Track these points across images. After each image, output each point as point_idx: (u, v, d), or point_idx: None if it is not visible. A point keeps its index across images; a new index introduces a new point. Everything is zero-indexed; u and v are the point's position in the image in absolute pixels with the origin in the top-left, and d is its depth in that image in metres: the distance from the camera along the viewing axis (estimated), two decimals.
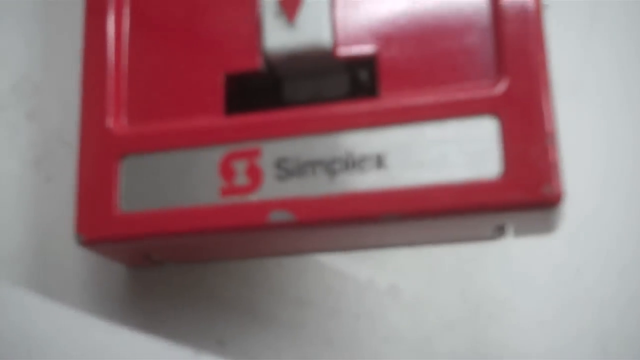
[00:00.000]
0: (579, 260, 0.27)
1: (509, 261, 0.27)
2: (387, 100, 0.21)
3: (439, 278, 0.26)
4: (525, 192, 0.19)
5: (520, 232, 0.21)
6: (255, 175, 0.21)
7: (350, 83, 0.22)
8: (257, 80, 0.22)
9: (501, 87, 0.20)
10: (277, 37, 0.22)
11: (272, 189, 0.21)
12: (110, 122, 0.22)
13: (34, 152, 0.25)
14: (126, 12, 0.23)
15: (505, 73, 0.20)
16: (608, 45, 0.28)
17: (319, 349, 0.25)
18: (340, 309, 0.26)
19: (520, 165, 0.19)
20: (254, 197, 0.21)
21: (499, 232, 0.21)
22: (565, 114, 0.28)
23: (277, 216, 0.20)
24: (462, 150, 0.20)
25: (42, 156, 0.25)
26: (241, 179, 0.21)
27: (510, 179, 0.19)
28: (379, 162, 0.20)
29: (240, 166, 0.21)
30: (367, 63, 0.21)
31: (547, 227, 0.20)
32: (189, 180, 0.21)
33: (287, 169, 0.21)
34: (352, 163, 0.20)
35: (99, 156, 0.22)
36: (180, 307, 0.25)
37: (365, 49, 0.21)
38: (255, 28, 0.22)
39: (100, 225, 0.21)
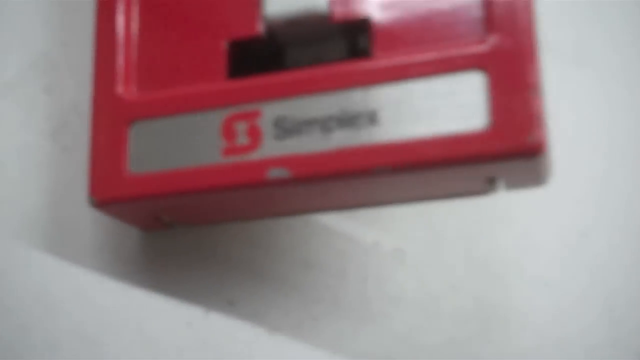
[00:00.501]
0: (585, 222, 0.28)
1: (514, 223, 0.28)
2: (380, 61, 0.21)
3: (444, 240, 0.27)
4: (510, 141, 0.20)
5: (511, 184, 0.22)
6: (255, 135, 0.22)
7: (348, 47, 0.23)
8: (259, 46, 0.23)
9: (488, 44, 0.20)
10: (276, 3, 0.23)
11: (270, 147, 0.22)
12: (120, 89, 0.23)
13: (51, 124, 0.27)
14: None
15: (492, 30, 0.21)
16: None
17: (327, 310, 0.26)
18: (347, 271, 0.27)
19: (505, 117, 0.20)
20: (254, 156, 0.22)
21: (490, 185, 0.22)
22: (569, 80, 0.29)
23: (275, 173, 0.21)
24: (451, 104, 0.20)
25: (58, 128, 0.27)
26: (242, 139, 0.22)
27: (496, 130, 0.20)
28: (372, 118, 0.21)
29: (241, 127, 0.22)
30: (362, 27, 0.22)
31: (536, 178, 0.21)
32: (193, 142, 0.22)
33: (284, 128, 0.22)
34: (346, 120, 0.21)
35: (110, 122, 0.23)
36: (192, 269, 0.26)
37: (359, 12, 0.22)
38: None
39: (111, 187, 0.23)
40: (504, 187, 0.22)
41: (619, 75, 0.29)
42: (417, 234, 0.27)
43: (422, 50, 0.21)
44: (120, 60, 0.24)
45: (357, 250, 0.27)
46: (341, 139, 0.21)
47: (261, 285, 0.26)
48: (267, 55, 0.23)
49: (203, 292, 0.26)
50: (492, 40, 0.20)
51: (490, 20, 0.21)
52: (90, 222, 0.26)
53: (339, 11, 0.22)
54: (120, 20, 0.24)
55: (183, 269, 0.26)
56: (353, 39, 0.23)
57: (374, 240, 0.27)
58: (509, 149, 0.20)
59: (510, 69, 0.20)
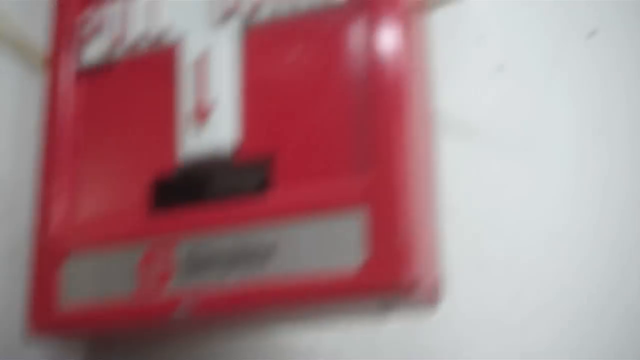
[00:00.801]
0: None
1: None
2: (273, 199, 0.23)
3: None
4: (382, 279, 0.20)
5: (403, 309, 0.23)
6: (165, 269, 0.23)
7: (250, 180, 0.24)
8: (176, 182, 0.25)
9: (367, 180, 0.22)
10: (191, 142, 0.24)
11: (178, 282, 0.23)
12: (52, 229, 0.25)
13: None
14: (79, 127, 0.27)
15: (373, 166, 0.22)
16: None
17: None
18: None
19: (380, 254, 0.21)
20: (165, 293, 0.23)
21: (385, 308, 0.23)
22: None
23: (179, 315, 0.23)
24: (330, 242, 0.21)
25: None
26: (154, 274, 0.23)
27: (370, 268, 0.21)
28: (266, 255, 0.22)
29: (155, 263, 0.24)
30: (261, 165, 0.24)
31: (424, 306, 0.22)
32: (110, 279, 0.24)
33: (194, 264, 0.23)
34: (244, 257, 0.22)
35: (42, 260, 0.25)
36: None
37: (258, 154, 0.24)
38: (173, 136, 0.25)
39: (42, 321, 0.25)
40: (399, 309, 0.23)
41: None
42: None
43: (310, 187, 0.22)
44: (58, 187, 0.26)
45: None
46: (237, 276, 0.22)
47: None
48: (185, 188, 0.25)
49: None
50: (370, 176, 0.22)
51: (368, 158, 0.22)
52: None
53: (241, 153, 0.24)
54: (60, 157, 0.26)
55: None
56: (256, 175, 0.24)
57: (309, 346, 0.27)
58: (380, 287, 0.20)
59: (385, 209, 0.21)
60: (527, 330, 0.27)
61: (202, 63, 0.24)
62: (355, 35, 0.23)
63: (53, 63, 0.27)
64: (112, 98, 0.26)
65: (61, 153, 0.26)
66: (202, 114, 0.24)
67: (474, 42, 0.33)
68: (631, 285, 0.29)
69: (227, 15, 0.24)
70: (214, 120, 0.24)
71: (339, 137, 0.23)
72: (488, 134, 0.32)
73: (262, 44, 0.24)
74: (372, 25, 0.23)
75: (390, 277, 0.20)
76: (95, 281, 0.24)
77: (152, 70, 0.25)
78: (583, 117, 0.32)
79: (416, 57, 0.24)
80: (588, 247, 0.29)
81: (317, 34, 0.24)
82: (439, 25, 0.31)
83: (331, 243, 0.21)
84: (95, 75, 0.26)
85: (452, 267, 0.27)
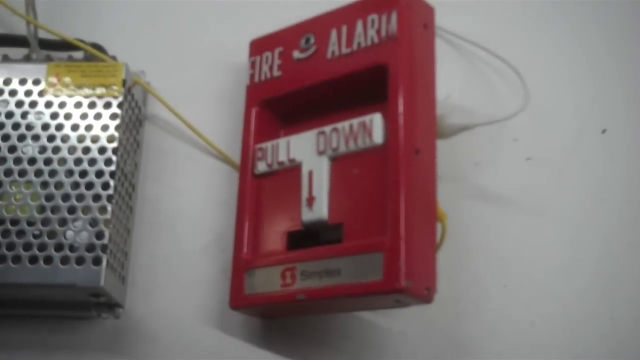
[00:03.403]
0: None
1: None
2: (346, 245, 0.47)
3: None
4: (390, 286, 0.44)
5: (407, 303, 0.46)
6: (292, 278, 0.48)
7: (337, 234, 0.48)
8: (302, 233, 0.49)
9: (383, 238, 0.45)
10: (306, 214, 0.49)
11: (298, 284, 0.47)
12: (244, 251, 0.51)
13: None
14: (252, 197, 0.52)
15: (386, 231, 0.45)
16: None
17: None
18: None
19: (389, 272, 0.44)
20: (292, 288, 0.48)
21: (398, 304, 0.46)
22: None
23: (300, 297, 0.47)
24: (366, 266, 0.45)
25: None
26: (288, 280, 0.48)
27: (385, 279, 0.44)
28: (335, 273, 0.46)
29: (287, 274, 0.48)
30: (338, 227, 0.48)
31: (418, 301, 0.45)
32: (270, 281, 0.49)
33: (305, 275, 0.47)
34: (326, 273, 0.46)
35: (237, 270, 0.51)
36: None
37: (336, 222, 0.48)
38: (299, 210, 0.49)
39: (237, 300, 0.50)
40: (406, 305, 0.46)
41: None
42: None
43: (360, 239, 0.46)
44: (246, 233, 0.51)
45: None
46: (324, 282, 0.46)
47: None
48: (304, 238, 0.49)
49: None
50: (384, 238, 0.45)
51: (384, 226, 0.45)
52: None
53: (332, 218, 0.48)
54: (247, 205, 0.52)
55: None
56: (336, 232, 0.48)
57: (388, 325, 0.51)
58: (389, 291, 0.44)
59: (394, 252, 0.44)
60: None
61: (311, 175, 0.49)
62: (384, 159, 0.47)
63: (242, 169, 0.53)
64: (271, 189, 0.52)
65: (246, 215, 0.52)
66: (310, 201, 0.49)
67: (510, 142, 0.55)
68: None
69: (321, 153, 0.49)
70: (316, 205, 0.49)
71: (374, 216, 0.46)
72: (517, 205, 0.54)
73: (340, 167, 0.49)
74: (390, 160, 0.46)
75: (393, 285, 0.44)
76: (261, 282, 0.49)
77: (289, 177, 0.51)
78: (589, 195, 0.54)
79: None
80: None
81: (366, 159, 0.48)
82: (485, 132, 0.53)
83: (367, 267, 0.45)
84: (262, 178, 0.52)
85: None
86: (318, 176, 0.49)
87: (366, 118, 0.48)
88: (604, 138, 0.58)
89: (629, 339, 0.52)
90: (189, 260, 0.55)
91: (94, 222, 0.49)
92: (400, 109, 0.47)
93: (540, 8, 0.61)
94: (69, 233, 0.49)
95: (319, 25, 0.52)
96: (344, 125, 0.49)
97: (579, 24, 0.61)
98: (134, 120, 0.55)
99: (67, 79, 0.53)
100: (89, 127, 0.52)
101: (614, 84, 0.59)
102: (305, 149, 0.50)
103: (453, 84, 0.56)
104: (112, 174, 0.50)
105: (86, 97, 0.52)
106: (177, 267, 0.55)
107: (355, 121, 0.49)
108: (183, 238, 0.56)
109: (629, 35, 0.60)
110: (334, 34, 0.51)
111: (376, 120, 0.48)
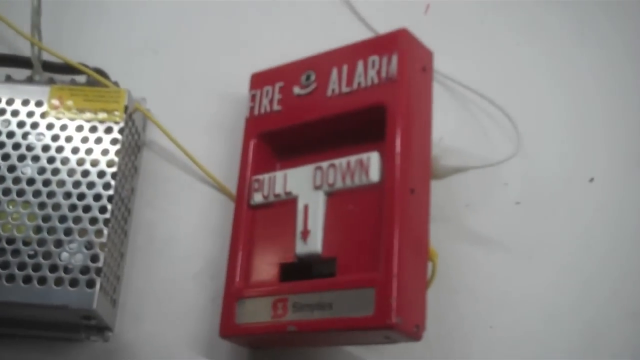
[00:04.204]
0: None
1: None
2: (339, 279, 0.47)
3: None
4: (381, 322, 0.44)
5: (396, 340, 0.46)
6: (284, 310, 0.48)
7: (330, 268, 0.49)
8: (294, 265, 0.50)
9: (376, 275, 0.46)
10: (300, 247, 0.50)
11: (290, 316, 0.48)
12: (235, 281, 0.51)
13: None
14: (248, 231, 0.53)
15: (378, 267, 0.46)
16: None
17: None
18: None
19: (378, 310, 0.45)
20: (283, 320, 0.48)
21: (387, 340, 0.46)
22: None
23: (290, 329, 0.48)
24: (358, 302, 0.46)
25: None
26: (279, 311, 0.49)
27: (375, 315, 0.45)
28: (327, 307, 0.47)
29: (279, 305, 0.49)
30: (332, 261, 0.48)
31: (406, 339, 0.45)
32: (258, 312, 0.49)
33: (297, 307, 0.48)
34: (319, 305, 0.47)
35: (228, 299, 0.51)
36: None
37: (330, 256, 0.49)
38: (293, 243, 0.50)
39: (227, 329, 0.50)
40: (395, 341, 0.47)
41: None
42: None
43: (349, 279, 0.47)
44: (239, 262, 0.52)
45: None
46: (316, 315, 0.47)
47: None
48: (297, 270, 0.50)
49: None
50: (377, 274, 0.46)
51: (377, 262, 0.46)
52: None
53: (323, 255, 0.49)
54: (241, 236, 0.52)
55: None
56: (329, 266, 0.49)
57: None
58: (379, 326, 0.44)
59: (386, 288, 0.45)
60: None
61: (306, 209, 0.50)
62: (379, 197, 0.48)
63: (238, 200, 0.54)
64: (266, 221, 0.52)
65: (240, 245, 0.52)
66: (305, 234, 0.50)
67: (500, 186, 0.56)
68: None
69: (318, 187, 0.50)
70: (310, 239, 0.49)
71: (367, 252, 0.47)
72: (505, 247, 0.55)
73: (336, 202, 0.49)
74: (385, 198, 0.47)
75: (384, 322, 0.44)
76: (252, 312, 0.50)
77: (284, 209, 0.52)
78: (575, 241, 0.55)
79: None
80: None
81: (362, 196, 0.49)
82: (477, 174, 0.54)
83: (359, 302, 0.46)
84: (258, 209, 0.53)
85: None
86: (314, 210, 0.50)
87: (364, 156, 0.49)
88: (592, 186, 0.59)
89: None
90: (180, 287, 0.55)
91: (89, 245, 0.49)
92: (398, 149, 0.48)
93: (535, 57, 0.63)
94: (64, 254, 0.49)
95: (321, 63, 0.54)
96: (341, 161, 0.50)
97: (572, 74, 0.63)
98: (133, 145, 0.56)
99: (69, 102, 0.54)
100: (89, 151, 0.52)
101: (603, 134, 0.61)
102: (301, 183, 0.51)
103: (446, 126, 0.58)
104: (110, 198, 0.51)
105: (88, 121, 0.53)
106: (167, 293, 0.55)
107: (352, 158, 0.50)
108: (175, 264, 0.56)
109: (621, 87, 0.62)
110: (334, 72, 0.52)
111: (373, 159, 0.49)
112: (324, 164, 0.51)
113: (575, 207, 0.58)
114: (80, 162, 0.52)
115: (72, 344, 0.53)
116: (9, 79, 0.57)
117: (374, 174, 0.49)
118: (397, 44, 0.51)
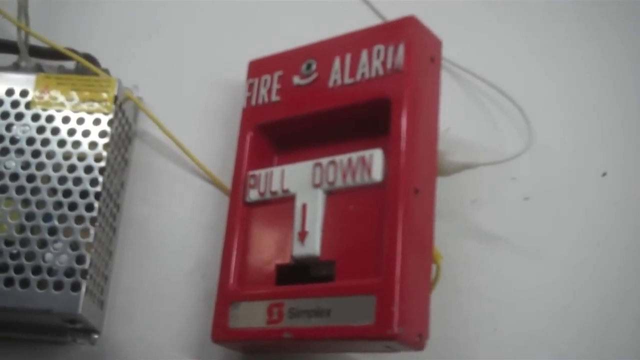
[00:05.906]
0: None
1: None
2: (338, 284, 0.45)
3: None
4: (381, 331, 0.42)
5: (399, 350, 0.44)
6: (279, 315, 0.46)
7: (328, 272, 0.46)
8: (291, 268, 0.48)
9: (377, 280, 0.43)
10: (297, 249, 0.47)
11: (286, 322, 0.46)
12: (230, 282, 0.49)
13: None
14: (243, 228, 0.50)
15: (380, 272, 0.43)
16: None
17: None
18: None
19: (381, 317, 0.42)
20: (278, 326, 0.46)
21: (388, 349, 0.44)
22: None
23: (285, 336, 0.45)
24: (358, 309, 0.43)
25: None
26: (274, 317, 0.46)
27: (376, 324, 0.42)
28: (324, 314, 0.44)
29: (275, 310, 0.46)
30: (331, 264, 0.46)
31: (407, 348, 0.43)
32: (253, 316, 0.47)
33: (292, 313, 0.46)
34: (316, 312, 0.45)
35: (221, 302, 0.49)
36: None
37: (328, 259, 0.46)
38: (290, 244, 0.47)
39: (220, 334, 0.48)
40: (396, 351, 0.44)
41: None
42: None
43: (352, 281, 0.44)
44: (233, 263, 0.49)
45: None
46: (313, 322, 0.45)
47: None
48: (293, 273, 0.47)
49: None
50: (378, 280, 0.43)
51: (379, 267, 0.43)
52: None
53: (325, 254, 0.46)
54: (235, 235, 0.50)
55: None
56: (328, 269, 0.46)
57: None
58: (381, 336, 0.42)
59: (387, 296, 0.42)
60: None
61: (304, 208, 0.47)
62: (382, 197, 0.45)
63: (233, 196, 0.51)
64: (262, 219, 0.50)
65: (234, 244, 0.50)
66: (302, 235, 0.47)
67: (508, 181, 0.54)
68: None
69: (317, 186, 0.47)
70: (308, 240, 0.47)
71: (368, 255, 0.44)
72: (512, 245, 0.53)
73: (335, 202, 0.47)
74: (389, 199, 0.44)
75: (385, 332, 0.42)
76: (246, 316, 0.47)
77: (281, 208, 0.49)
78: (586, 239, 0.53)
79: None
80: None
81: (363, 196, 0.46)
82: (484, 168, 0.52)
83: (359, 310, 0.43)
84: (253, 206, 0.50)
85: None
86: (312, 210, 0.47)
87: (366, 153, 0.46)
88: (604, 181, 0.56)
89: None
90: (172, 286, 0.53)
91: (75, 245, 0.47)
92: (402, 147, 0.45)
93: (547, 49, 0.60)
94: (48, 255, 0.47)
95: (322, 51, 0.51)
96: (342, 158, 0.47)
97: (584, 67, 0.60)
98: (123, 137, 0.53)
99: (56, 92, 0.51)
100: (76, 144, 0.49)
101: (616, 127, 0.58)
102: (300, 181, 0.49)
103: (454, 116, 0.55)
104: (98, 195, 0.48)
105: (75, 112, 0.50)
106: (158, 292, 0.53)
107: (354, 155, 0.47)
108: (166, 262, 0.54)
109: (632, 80, 0.59)
110: (337, 62, 0.49)
111: (376, 157, 0.46)
112: (324, 161, 0.48)
113: (587, 203, 0.55)
114: (67, 156, 0.49)
115: (57, 347, 0.50)
116: None
117: (377, 173, 0.46)
118: (405, 32, 0.48)
